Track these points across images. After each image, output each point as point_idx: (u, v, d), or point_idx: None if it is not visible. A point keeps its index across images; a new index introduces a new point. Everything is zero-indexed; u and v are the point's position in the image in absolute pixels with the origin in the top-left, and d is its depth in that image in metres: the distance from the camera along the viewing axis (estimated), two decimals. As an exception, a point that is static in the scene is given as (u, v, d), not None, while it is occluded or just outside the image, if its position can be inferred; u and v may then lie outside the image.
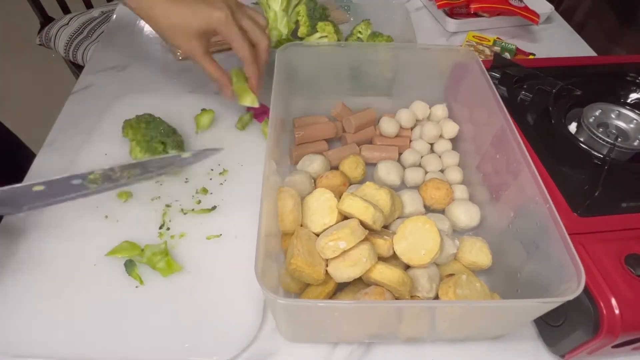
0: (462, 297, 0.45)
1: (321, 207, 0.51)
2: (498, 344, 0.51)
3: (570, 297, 0.38)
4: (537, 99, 0.65)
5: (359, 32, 0.79)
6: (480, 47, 0.91)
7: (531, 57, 0.90)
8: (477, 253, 0.52)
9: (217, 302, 0.52)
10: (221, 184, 0.64)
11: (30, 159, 0.66)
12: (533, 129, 0.60)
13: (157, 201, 0.61)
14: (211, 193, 0.62)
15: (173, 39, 0.58)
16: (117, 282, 0.53)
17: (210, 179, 0.64)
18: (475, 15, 0.97)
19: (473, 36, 0.94)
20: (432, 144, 0.68)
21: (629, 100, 0.65)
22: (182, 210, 0.60)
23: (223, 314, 0.51)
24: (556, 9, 1.02)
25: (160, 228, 0.58)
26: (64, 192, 0.56)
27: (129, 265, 0.53)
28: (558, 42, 0.97)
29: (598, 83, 0.66)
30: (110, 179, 0.58)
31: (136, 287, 0.53)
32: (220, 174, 0.65)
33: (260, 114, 0.73)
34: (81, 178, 0.56)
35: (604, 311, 0.42)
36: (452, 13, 0.98)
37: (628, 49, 1.14)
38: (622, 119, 0.61)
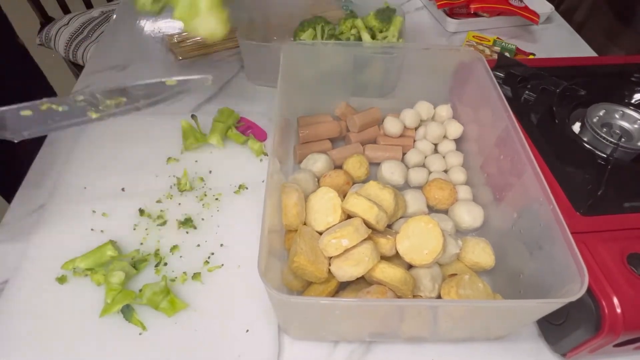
0: (465, 297, 0.45)
1: (325, 206, 0.51)
2: (499, 342, 0.51)
3: (573, 298, 0.38)
4: (541, 98, 0.65)
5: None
6: (480, 47, 0.91)
7: (531, 57, 0.90)
8: (480, 253, 0.52)
9: (231, 337, 0.49)
10: (218, 210, 0.60)
11: (30, 158, 0.66)
12: (537, 129, 0.60)
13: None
14: (203, 219, 0.59)
15: None
16: (118, 332, 0.48)
17: (203, 205, 0.61)
18: (475, 15, 0.97)
19: (473, 36, 0.93)
20: (436, 144, 0.68)
21: (633, 101, 0.65)
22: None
23: (238, 349, 0.48)
24: (556, 9, 1.02)
25: (157, 265, 0.54)
26: (52, 118, 0.51)
27: (127, 312, 0.49)
28: (558, 42, 0.97)
29: (602, 83, 0.66)
30: (94, 105, 0.53)
31: (139, 334, 0.48)
32: (216, 198, 0.61)
33: (245, 129, 0.70)
34: (67, 104, 0.52)
35: (606, 310, 0.43)
36: (452, 13, 0.98)
37: (628, 49, 1.14)
38: (626, 119, 0.61)
